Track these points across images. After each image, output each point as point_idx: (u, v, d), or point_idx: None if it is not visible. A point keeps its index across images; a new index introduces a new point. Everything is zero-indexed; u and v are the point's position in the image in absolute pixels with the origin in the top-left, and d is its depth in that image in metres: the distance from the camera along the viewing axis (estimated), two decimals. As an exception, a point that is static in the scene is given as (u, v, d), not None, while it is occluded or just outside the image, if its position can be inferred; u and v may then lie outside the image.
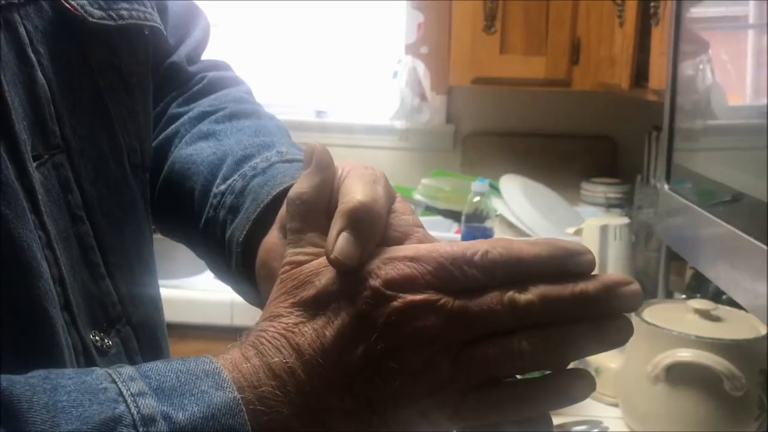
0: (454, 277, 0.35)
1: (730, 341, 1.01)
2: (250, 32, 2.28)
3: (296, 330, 0.36)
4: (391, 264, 0.36)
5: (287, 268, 0.39)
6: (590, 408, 1.17)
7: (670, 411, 1.03)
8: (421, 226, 0.41)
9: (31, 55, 0.44)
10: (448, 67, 1.95)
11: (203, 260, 0.58)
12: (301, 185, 0.41)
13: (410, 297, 0.35)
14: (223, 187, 0.53)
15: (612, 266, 1.32)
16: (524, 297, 0.35)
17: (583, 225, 1.39)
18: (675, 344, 1.03)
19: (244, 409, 0.34)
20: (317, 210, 0.40)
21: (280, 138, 0.57)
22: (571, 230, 1.42)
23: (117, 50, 0.51)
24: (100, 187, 0.49)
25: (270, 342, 0.36)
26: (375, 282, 0.35)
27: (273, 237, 0.46)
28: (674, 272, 1.58)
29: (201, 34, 0.66)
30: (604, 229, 1.33)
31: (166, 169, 0.58)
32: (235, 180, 0.52)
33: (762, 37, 0.80)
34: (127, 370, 0.35)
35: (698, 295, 1.20)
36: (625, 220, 1.37)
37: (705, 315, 1.07)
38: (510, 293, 0.35)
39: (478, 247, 0.36)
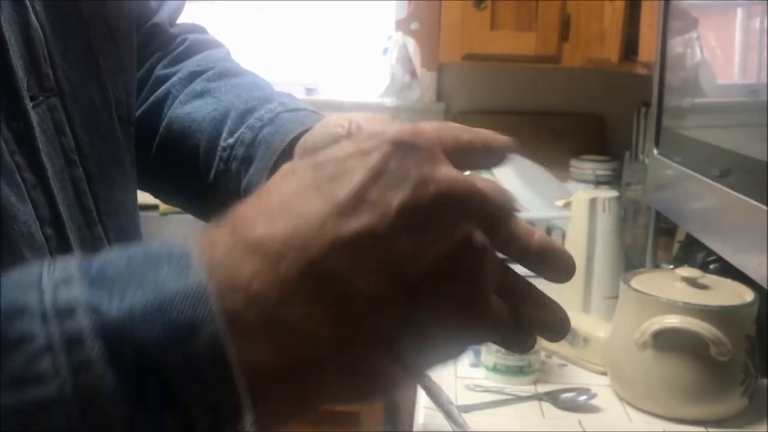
0: None
1: (717, 307, 1.02)
2: (240, 9, 2.27)
3: None
4: None
5: None
6: (579, 376, 1.18)
7: (657, 377, 1.04)
8: None
9: None
10: (439, 44, 1.94)
11: (205, 218, 0.59)
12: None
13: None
14: (231, 141, 0.54)
15: (600, 239, 1.33)
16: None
17: (572, 198, 1.40)
18: (663, 311, 1.04)
19: (212, 295, 0.27)
20: None
21: (275, 91, 0.58)
22: (561, 203, 1.43)
23: (105, 2, 0.52)
24: (91, 134, 0.49)
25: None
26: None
27: None
28: (661, 248, 1.59)
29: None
30: (593, 202, 1.34)
31: (162, 130, 0.59)
32: (243, 132, 0.53)
33: (751, 18, 0.81)
34: (72, 258, 0.28)
35: (685, 266, 1.22)
36: (614, 193, 1.38)
37: (692, 283, 1.08)
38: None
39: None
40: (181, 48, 0.64)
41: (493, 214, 0.31)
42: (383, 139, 0.30)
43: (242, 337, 0.27)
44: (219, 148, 0.54)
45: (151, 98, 0.61)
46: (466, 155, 0.32)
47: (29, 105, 0.42)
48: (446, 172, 0.30)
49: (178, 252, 0.28)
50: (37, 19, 0.45)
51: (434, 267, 0.29)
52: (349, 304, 0.28)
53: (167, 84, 0.61)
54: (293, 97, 0.57)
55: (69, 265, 0.27)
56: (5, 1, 0.42)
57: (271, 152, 0.50)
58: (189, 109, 0.58)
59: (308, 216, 0.28)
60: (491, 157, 0.34)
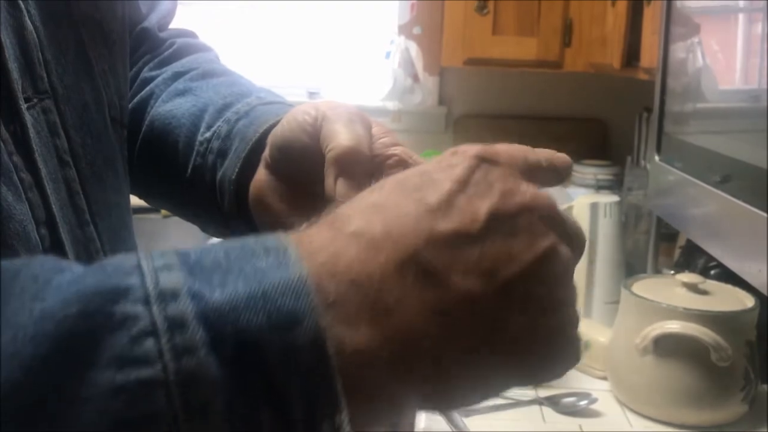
0: None
1: (718, 313, 1.02)
2: (243, 12, 2.28)
3: None
4: None
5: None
6: (579, 381, 1.18)
7: (658, 382, 1.05)
8: (399, 144, 0.44)
9: (20, 1, 0.45)
10: (441, 48, 1.95)
11: (189, 216, 0.60)
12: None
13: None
14: (208, 135, 0.55)
15: (602, 243, 1.33)
16: None
17: (574, 203, 1.40)
18: (663, 316, 1.04)
19: (312, 288, 0.27)
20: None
21: (255, 87, 0.60)
22: (562, 207, 1.43)
23: (98, 5, 0.52)
24: (84, 135, 0.50)
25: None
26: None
27: (261, 175, 0.49)
28: (663, 253, 1.59)
29: (169, 5, 0.69)
30: (594, 207, 1.34)
31: (144, 128, 0.61)
32: (219, 126, 0.54)
33: (752, 23, 0.81)
34: (166, 250, 0.28)
35: (686, 271, 1.22)
36: (615, 198, 1.38)
37: (693, 288, 1.08)
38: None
39: None
40: (169, 51, 0.65)
41: (569, 230, 0.33)
42: (467, 155, 0.31)
43: (342, 323, 0.27)
44: (196, 143, 0.55)
45: (136, 99, 0.62)
46: (533, 173, 0.33)
47: (24, 107, 0.43)
48: (527, 186, 0.32)
49: (274, 245, 0.28)
50: (32, 22, 0.45)
51: (525, 271, 0.30)
52: (446, 298, 0.28)
53: (151, 85, 0.62)
54: (272, 92, 0.58)
55: (166, 253, 0.27)
56: (0, 5, 0.43)
57: (244, 143, 0.51)
58: (170, 106, 0.59)
59: (403, 215, 0.29)
60: (555, 175, 0.35)
